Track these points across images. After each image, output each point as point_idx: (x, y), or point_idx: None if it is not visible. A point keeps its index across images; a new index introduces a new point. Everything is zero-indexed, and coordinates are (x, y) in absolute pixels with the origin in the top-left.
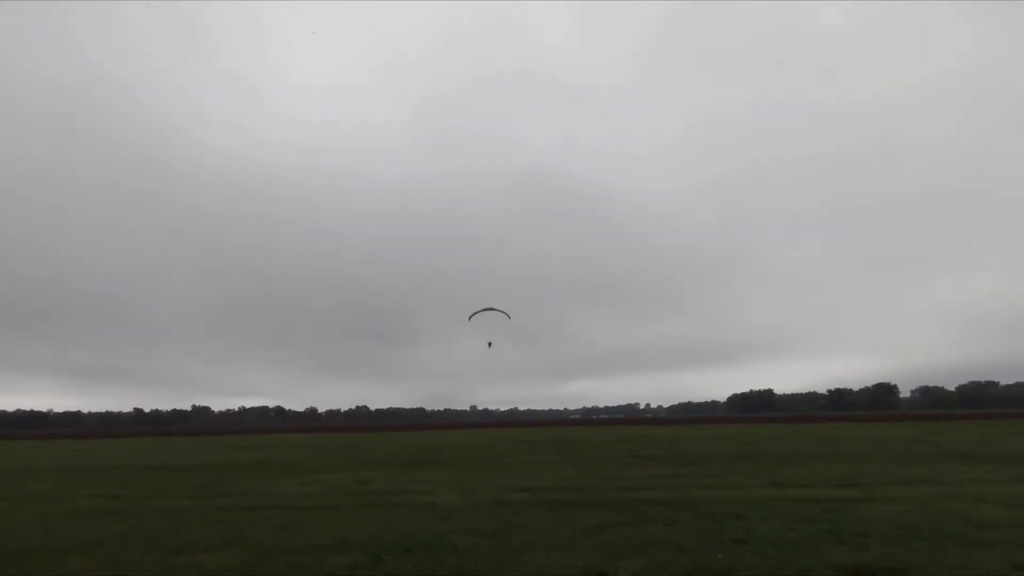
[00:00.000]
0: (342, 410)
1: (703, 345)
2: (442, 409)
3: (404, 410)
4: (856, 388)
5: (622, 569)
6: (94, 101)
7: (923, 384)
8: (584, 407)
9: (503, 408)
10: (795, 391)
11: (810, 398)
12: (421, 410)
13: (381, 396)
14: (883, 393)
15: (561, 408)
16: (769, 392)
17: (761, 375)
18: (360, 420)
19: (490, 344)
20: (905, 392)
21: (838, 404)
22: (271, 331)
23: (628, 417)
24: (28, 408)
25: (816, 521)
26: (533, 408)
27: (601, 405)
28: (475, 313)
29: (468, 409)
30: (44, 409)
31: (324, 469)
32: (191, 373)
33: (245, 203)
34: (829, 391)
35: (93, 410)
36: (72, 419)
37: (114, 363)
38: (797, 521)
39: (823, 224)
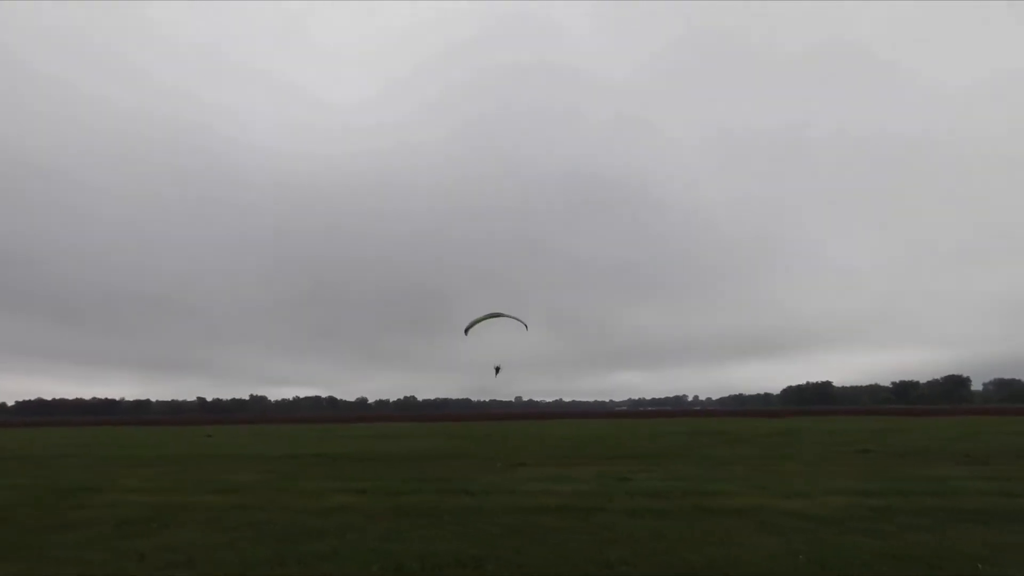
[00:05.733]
0: (391, 400)
1: (751, 336)
2: (488, 400)
3: (451, 400)
4: (923, 381)
5: None
6: (160, 117)
7: (997, 376)
8: (630, 399)
9: (548, 399)
10: (855, 383)
11: (872, 391)
12: (468, 400)
13: (427, 386)
14: (954, 386)
15: (607, 400)
16: (827, 384)
17: (815, 367)
18: (409, 410)
19: (497, 370)
20: (977, 385)
21: (904, 397)
22: (319, 324)
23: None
24: (102, 396)
25: None
26: (578, 399)
27: (648, 397)
28: (473, 324)
29: (513, 400)
30: (116, 397)
31: (536, 462)
32: (247, 364)
33: (297, 205)
34: (894, 384)
35: (160, 398)
36: (141, 407)
37: (177, 355)
38: None
39: (877, 211)
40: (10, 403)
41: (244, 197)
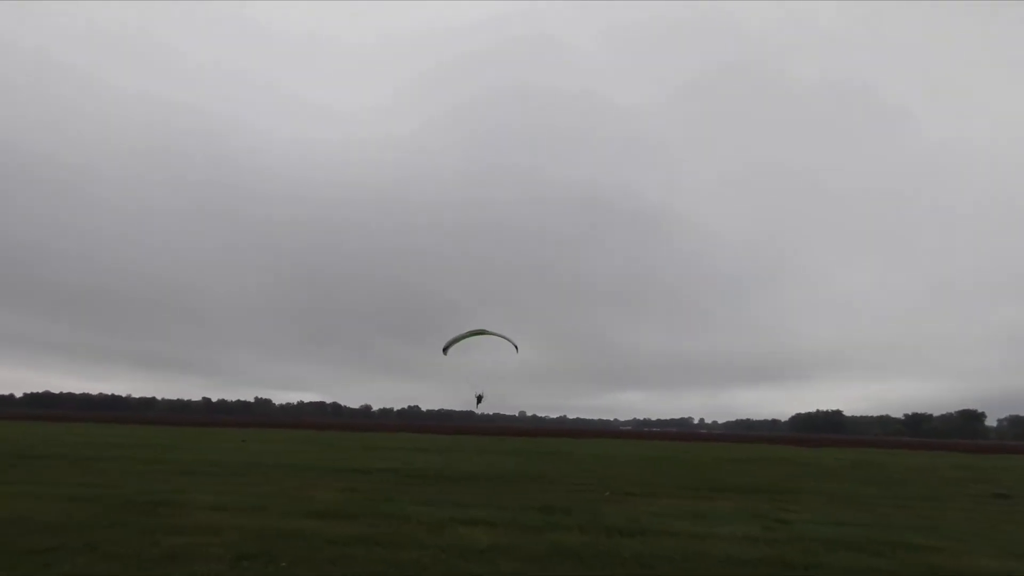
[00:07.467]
0: (394, 408)
1: (758, 361)
2: (492, 413)
3: (455, 412)
4: (936, 414)
5: None
6: (175, 126)
7: (1013, 413)
8: (635, 419)
9: (552, 415)
10: (865, 413)
11: (883, 422)
12: (471, 413)
13: (429, 396)
14: (968, 420)
15: (611, 419)
16: (837, 413)
17: (824, 395)
18: (412, 419)
19: (479, 399)
20: (991, 420)
21: (915, 430)
22: (327, 331)
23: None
24: (109, 392)
25: None
26: (582, 417)
27: (653, 418)
28: (453, 341)
29: (517, 415)
30: (123, 394)
31: (643, 491)
32: (252, 367)
33: (308, 215)
34: (906, 415)
35: (166, 396)
36: (147, 404)
37: (183, 355)
38: None
39: (889, 240)
40: (18, 395)
41: (256, 206)
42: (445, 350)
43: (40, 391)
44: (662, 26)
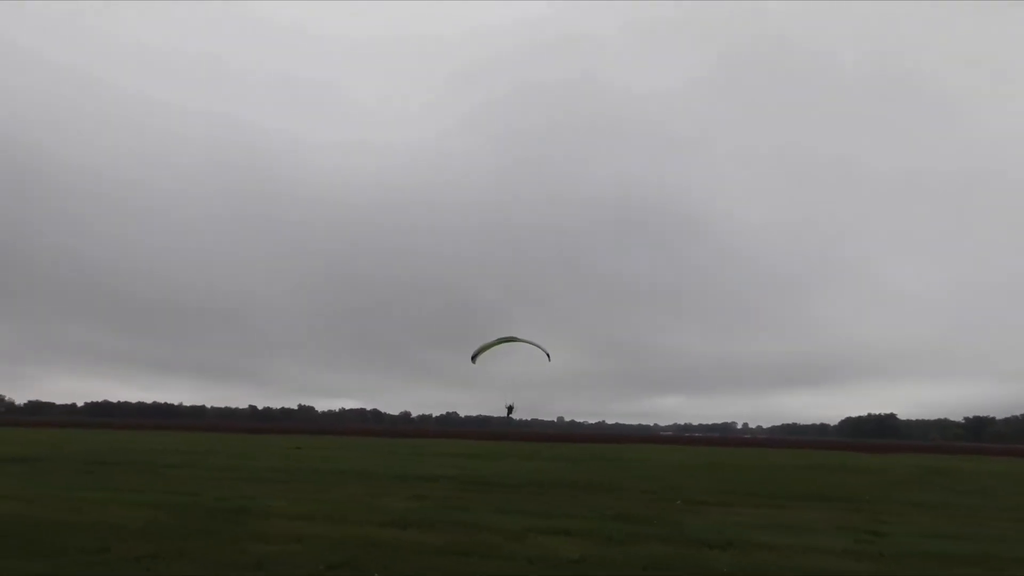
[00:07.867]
0: (433, 415)
1: (803, 363)
2: (529, 419)
3: (493, 418)
4: (999, 417)
5: None
6: (210, 133)
7: None
8: (675, 424)
9: (591, 421)
10: (921, 417)
11: (941, 426)
12: (509, 419)
13: (466, 403)
14: None
15: (651, 424)
16: (892, 417)
17: (875, 398)
18: (451, 425)
19: (510, 409)
20: None
21: (977, 434)
22: (362, 339)
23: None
24: (162, 401)
25: None
26: (621, 422)
27: (694, 423)
28: (482, 350)
29: (555, 420)
30: (175, 402)
31: (715, 500)
32: (295, 375)
33: (345, 218)
34: (966, 419)
35: (215, 404)
36: (197, 412)
37: (230, 364)
38: None
39: (941, 235)
40: (80, 404)
41: (297, 212)
42: (474, 359)
43: (99, 400)
44: (691, 14)
